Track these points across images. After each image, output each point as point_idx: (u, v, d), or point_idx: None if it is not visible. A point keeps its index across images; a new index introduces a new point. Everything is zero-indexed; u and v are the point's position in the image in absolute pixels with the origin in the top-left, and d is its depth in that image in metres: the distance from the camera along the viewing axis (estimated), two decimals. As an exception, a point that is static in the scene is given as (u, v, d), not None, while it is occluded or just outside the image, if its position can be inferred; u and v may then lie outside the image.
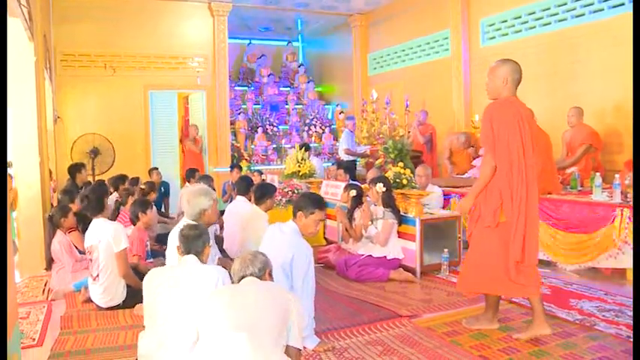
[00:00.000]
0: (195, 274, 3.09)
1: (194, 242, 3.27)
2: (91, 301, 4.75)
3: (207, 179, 7.21)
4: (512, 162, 3.63)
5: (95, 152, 9.56)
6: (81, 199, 4.81)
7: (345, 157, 9.78)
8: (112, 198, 6.85)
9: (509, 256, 3.69)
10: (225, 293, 2.70)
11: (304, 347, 3.65)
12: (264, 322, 2.52)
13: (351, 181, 7.53)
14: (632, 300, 4.56)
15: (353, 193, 5.99)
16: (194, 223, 3.77)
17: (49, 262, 5.89)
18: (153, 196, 7.40)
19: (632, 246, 4.89)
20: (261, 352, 2.44)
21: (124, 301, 4.66)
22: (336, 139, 12.78)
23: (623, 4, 6.70)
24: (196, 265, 3.21)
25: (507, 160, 3.64)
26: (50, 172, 8.29)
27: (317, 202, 3.86)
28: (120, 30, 10.23)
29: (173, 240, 4.02)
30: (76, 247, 5.55)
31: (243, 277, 2.78)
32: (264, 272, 2.82)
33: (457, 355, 3.54)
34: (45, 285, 5.56)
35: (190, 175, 8.29)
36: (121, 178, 7.41)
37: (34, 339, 4.06)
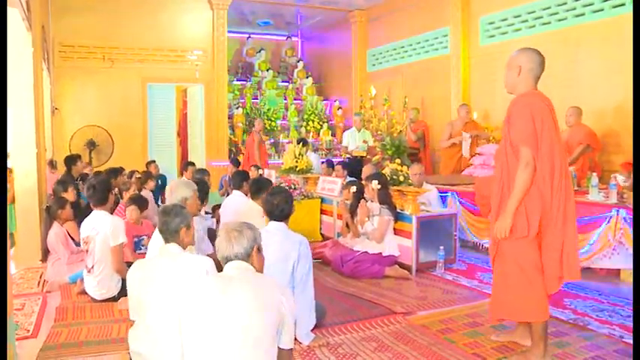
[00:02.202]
0: (179, 266, 3.00)
1: (172, 221, 3.15)
2: (86, 293, 4.76)
3: (203, 172, 7.20)
4: (555, 163, 3.25)
5: (92, 144, 9.55)
6: (87, 187, 4.83)
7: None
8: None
9: (545, 272, 3.30)
10: (210, 297, 2.34)
11: (299, 342, 3.67)
12: (254, 331, 2.26)
13: (349, 178, 7.54)
14: (625, 300, 4.59)
15: (354, 189, 5.99)
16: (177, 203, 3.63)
17: (45, 253, 5.88)
18: (151, 184, 7.35)
19: (626, 247, 4.91)
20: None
21: (118, 294, 4.65)
22: (334, 134, 12.79)
23: (624, 4, 6.70)
24: (180, 254, 3.12)
25: (550, 161, 3.24)
26: (54, 163, 8.28)
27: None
28: (119, 22, 10.22)
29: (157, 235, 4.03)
30: (72, 239, 5.54)
31: (228, 260, 2.47)
32: (252, 250, 2.49)
33: (451, 353, 3.55)
34: (40, 277, 5.56)
35: (185, 168, 8.27)
36: (114, 171, 7.34)
37: (28, 330, 4.06)
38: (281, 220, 3.86)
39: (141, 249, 5.49)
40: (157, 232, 4.03)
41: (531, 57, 3.37)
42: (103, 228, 4.57)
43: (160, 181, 9.15)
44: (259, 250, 2.55)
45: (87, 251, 4.67)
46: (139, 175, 7.54)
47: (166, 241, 3.20)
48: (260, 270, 2.54)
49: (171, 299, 2.84)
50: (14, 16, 5.62)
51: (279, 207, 3.83)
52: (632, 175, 5.45)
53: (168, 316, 2.85)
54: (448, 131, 8.64)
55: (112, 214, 5.50)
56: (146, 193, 6.72)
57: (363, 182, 6.02)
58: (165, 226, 3.18)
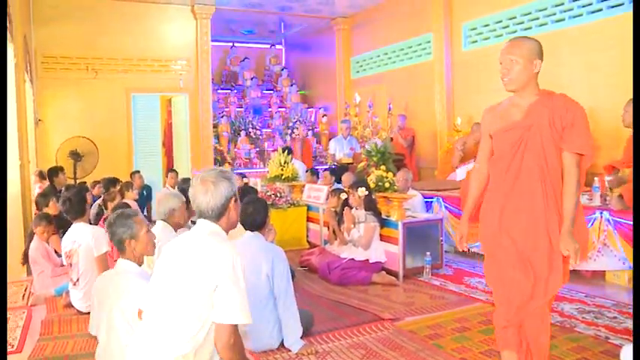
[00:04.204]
0: (115, 287, 2.97)
1: (115, 231, 3.05)
2: (72, 305, 4.71)
3: (188, 182, 7.14)
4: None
5: (77, 155, 9.47)
6: (62, 201, 4.78)
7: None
8: (96, 202, 6.78)
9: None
10: (166, 254, 2.39)
11: (288, 350, 3.65)
12: (182, 295, 2.22)
13: (335, 185, 7.55)
14: (611, 301, 4.64)
15: (344, 195, 6.00)
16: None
17: (29, 266, 5.81)
18: (130, 195, 7.19)
19: (610, 248, 4.96)
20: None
21: (104, 306, 4.61)
22: (319, 142, 12.80)
23: (601, 10, 6.79)
24: (117, 275, 3.06)
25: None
26: (43, 174, 8.20)
27: None
28: (102, 32, 10.15)
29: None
30: (56, 252, 5.48)
31: (203, 215, 2.36)
32: (229, 202, 2.37)
33: (439, 358, 3.55)
34: (25, 290, 5.50)
35: (166, 175, 8.23)
36: (113, 181, 7.25)
37: (12, 345, 4.01)
38: (253, 230, 3.86)
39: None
40: None
41: (541, 49, 2.85)
42: (85, 240, 4.52)
43: (145, 192, 9.09)
44: (236, 200, 2.43)
45: (70, 265, 4.62)
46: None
47: (120, 254, 3.10)
48: (235, 221, 2.46)
49: (117, 319, 2.84)
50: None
51: (252, 216, 3.84)
52: (616, 175, 5.53)
53: (118, 336, 2.83)
54: (460, 153, 8.04)
55: (97, 224, 5.46)
56: (130, 203, 6.64)
57: (347, 190, 6.03)
58: (111, 237, 3.08)
